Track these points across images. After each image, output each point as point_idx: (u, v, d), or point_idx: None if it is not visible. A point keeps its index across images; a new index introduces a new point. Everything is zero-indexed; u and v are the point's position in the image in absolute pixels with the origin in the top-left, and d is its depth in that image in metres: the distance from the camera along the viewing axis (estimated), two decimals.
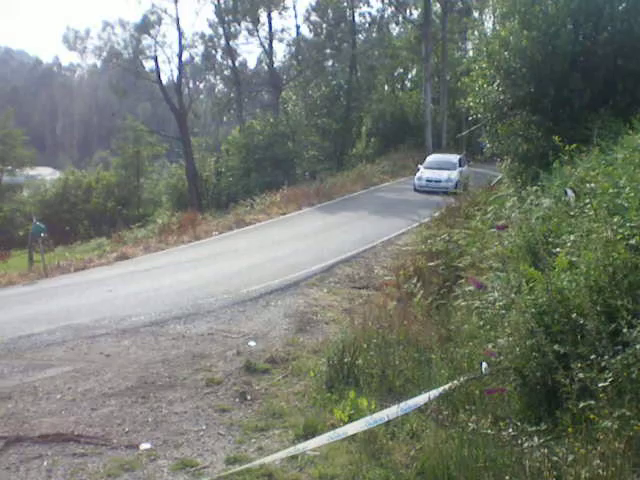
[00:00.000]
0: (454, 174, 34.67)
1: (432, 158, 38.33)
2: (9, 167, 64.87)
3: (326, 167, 51.88)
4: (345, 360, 9.10)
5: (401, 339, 10.01)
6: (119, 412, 8.46)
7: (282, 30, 60.24)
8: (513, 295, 7.63)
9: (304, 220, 27.50)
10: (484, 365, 7.68)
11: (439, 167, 35.58)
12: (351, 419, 7.55)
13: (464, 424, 6.65)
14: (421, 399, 7.34)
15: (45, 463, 7.07)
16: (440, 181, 33.89)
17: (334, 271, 17.32)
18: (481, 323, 9.12)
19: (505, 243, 10.27)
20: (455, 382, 7.56)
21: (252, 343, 11.41)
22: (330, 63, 61.67)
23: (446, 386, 7.54)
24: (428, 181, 34.46)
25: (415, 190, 34.54)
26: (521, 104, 18.74)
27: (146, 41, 55.98)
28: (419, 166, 36.88)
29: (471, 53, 54.87)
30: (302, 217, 28.43)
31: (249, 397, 8.94)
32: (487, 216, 15.69)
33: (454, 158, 37.52)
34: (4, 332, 12.33)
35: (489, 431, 6.35)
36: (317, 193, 33.25)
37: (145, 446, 7.45)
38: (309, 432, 7.48)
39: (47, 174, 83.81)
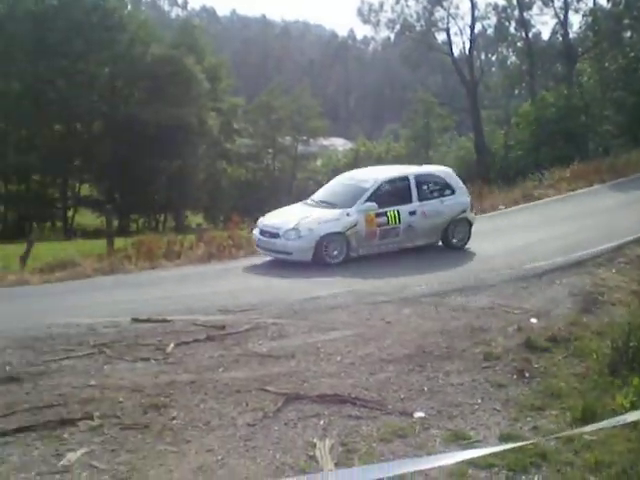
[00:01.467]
0: (328, 219, 16.27)
1: (342, 177, 19.15)
2: (304, 137, 67.83)
3: (621, 142, 49.54)
4: (631, 344, 8.64)
5: None
6: (395, 379, 8.59)
7: (578, 0, 57.75)
8: None
9: (593, 197, 26.36)
10: None
11: (329, 201, 17.27)
12: (633, 406, 7.20)
13: None
14: None
15: (321, 422, 7.33)
16: (277, 235, 16.22)
17: (624, 251, 16.45)
18: None
19: None
20: None
21: (534, 320, 11.13)
22: (628, 34, 58.43)
23: None
24: (262, 233, 16.85)
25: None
26: None
27: (439, 13, 56.25)
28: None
29: None
30: (592, 194, 27.22)
31: (527, 374, 8.74)
32: None
33: (371, 179, 17.14)
34: (292, 293, 12.99)
35: None
36: (609, 169, 31.72)
37: (419, 414, 7.52)
38: (587, 416, 7.21)
39: (339, 144, 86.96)
